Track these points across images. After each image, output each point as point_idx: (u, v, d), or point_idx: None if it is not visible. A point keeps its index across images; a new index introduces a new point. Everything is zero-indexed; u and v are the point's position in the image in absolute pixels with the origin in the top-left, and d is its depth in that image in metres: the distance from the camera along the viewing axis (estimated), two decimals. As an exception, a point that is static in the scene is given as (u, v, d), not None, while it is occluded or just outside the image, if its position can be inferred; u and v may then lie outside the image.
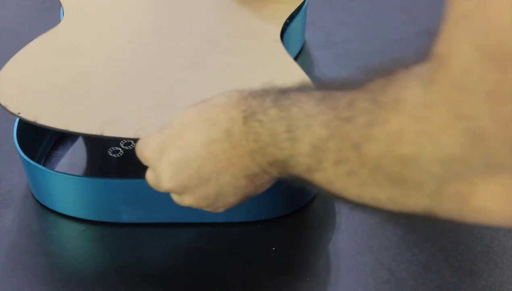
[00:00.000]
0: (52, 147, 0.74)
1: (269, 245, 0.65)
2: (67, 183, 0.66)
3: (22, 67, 0.67)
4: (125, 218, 0.66)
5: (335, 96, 0.46)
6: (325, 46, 0.91)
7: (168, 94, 0.67)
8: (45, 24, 0.94)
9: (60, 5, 0.81)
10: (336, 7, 0.98)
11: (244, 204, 0.56)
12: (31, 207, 0.70)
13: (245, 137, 0.51)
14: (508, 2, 0.35)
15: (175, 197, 0.56)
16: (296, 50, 0.88)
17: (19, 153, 0.67)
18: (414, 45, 0.84)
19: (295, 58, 0.87)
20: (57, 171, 0.68)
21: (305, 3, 0.85)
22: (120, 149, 0.73)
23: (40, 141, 0.73)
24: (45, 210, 0.69)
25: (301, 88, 0.50)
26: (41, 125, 0.61)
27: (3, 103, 0.62)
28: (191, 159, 0.53)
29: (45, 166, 0.67)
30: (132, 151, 0.61)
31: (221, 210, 0.56)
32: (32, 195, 0.70)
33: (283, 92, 0.50)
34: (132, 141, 0.72)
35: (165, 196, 0.57)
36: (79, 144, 0.75)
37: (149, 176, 0.57)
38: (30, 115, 0.61)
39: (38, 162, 0.66)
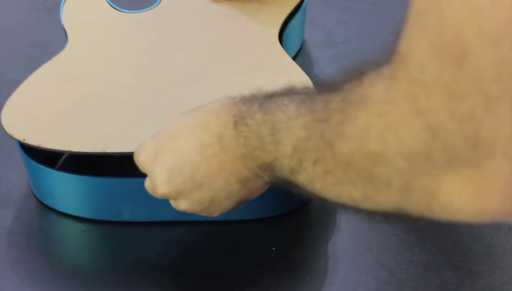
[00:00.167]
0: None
1: (269, 244, 0.65)
2: (69, 182, 0.66)
3: (27, 96, 0.70)
4: (127, 216, 0.67)
5: (314, 99, 0.47)
6: (325, 46, 0.91)
7: (170, 107, 0.68)
8: (45, 24, 0.94)
9: (60, 5, 0.82)
10: (336, 7, 0.98)
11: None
12: (31, 207, 0.70)
13: (236, 142, 0.52)
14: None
15: (172, 202, 0.57)
16: (295, 49, 0.88)
17: (20, 152, 0.67)
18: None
19: (294, 58, 0.87)
20: (59, 170, 0.68)
21: (304, 2, 0.85)
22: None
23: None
24: (45, 210, 0.69)
25: (286, 92, 0.51)
26: (45, 149, 0.64)
27: (10, 132, 0.65)
28: (184, 163, 0.54)
29: (45, 165, 0.67)
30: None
31: (215, 214, 0.57)
32: (32, 194, 0.70)
33: (270, 97, 0.51)
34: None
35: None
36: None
37: (146, 182, 0.58)
38: (34, 141, 0.64)
39: (38, 161, 0.67)
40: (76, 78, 0.72)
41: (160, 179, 0.55)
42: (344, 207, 0.47)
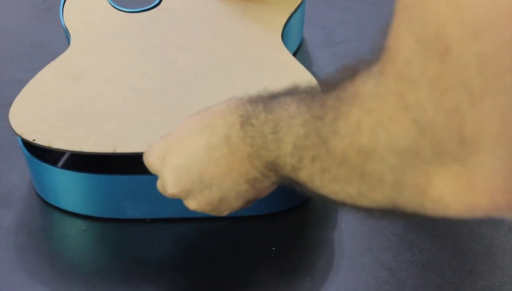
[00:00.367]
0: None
1: (270, 243, 0.65)
2: (72, 180, 0.66)
3: (34, 96, 0.69)
4: (130, 213, 0.67)
5: (313, 97, 0.47)
6: (324, 46, 0.91)
7: (175, 107, 0.68)
8: (45, 24, 0.94)
9: (60, 5, 0.82)
10: (336, 7, 0.98)
11: None
12: (31, 207, 0.70)
13: (243, 142, 0.52)
14: None
15: (184, 201, 0.58)
16: (294, 47, 0.88)
17: (23, 150, 0.67)
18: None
19: (294, 56, 0.87)
20: (61, 168, 0.68)
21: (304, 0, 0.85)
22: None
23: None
24: (45, 209, 0.69)
25: (290, 92, 0.51)
26: (56, 149, 0.64)
27: (19, 133, 0.65)
28: (192, 165, 0.54)
29: (48, 163, 0.67)
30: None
31: (225, 213, 0.57)
32: (32, 194, 0.70)
33: (274, 96, 0.52)
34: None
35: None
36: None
37: (158, 182, 0.59)
38: (44, 141, 0.64)
39: (40, 158, 0.67)
40: (82, 78, 0.72)
41: (169, 180, 0.56)
42: (343, 205, 0.47)
